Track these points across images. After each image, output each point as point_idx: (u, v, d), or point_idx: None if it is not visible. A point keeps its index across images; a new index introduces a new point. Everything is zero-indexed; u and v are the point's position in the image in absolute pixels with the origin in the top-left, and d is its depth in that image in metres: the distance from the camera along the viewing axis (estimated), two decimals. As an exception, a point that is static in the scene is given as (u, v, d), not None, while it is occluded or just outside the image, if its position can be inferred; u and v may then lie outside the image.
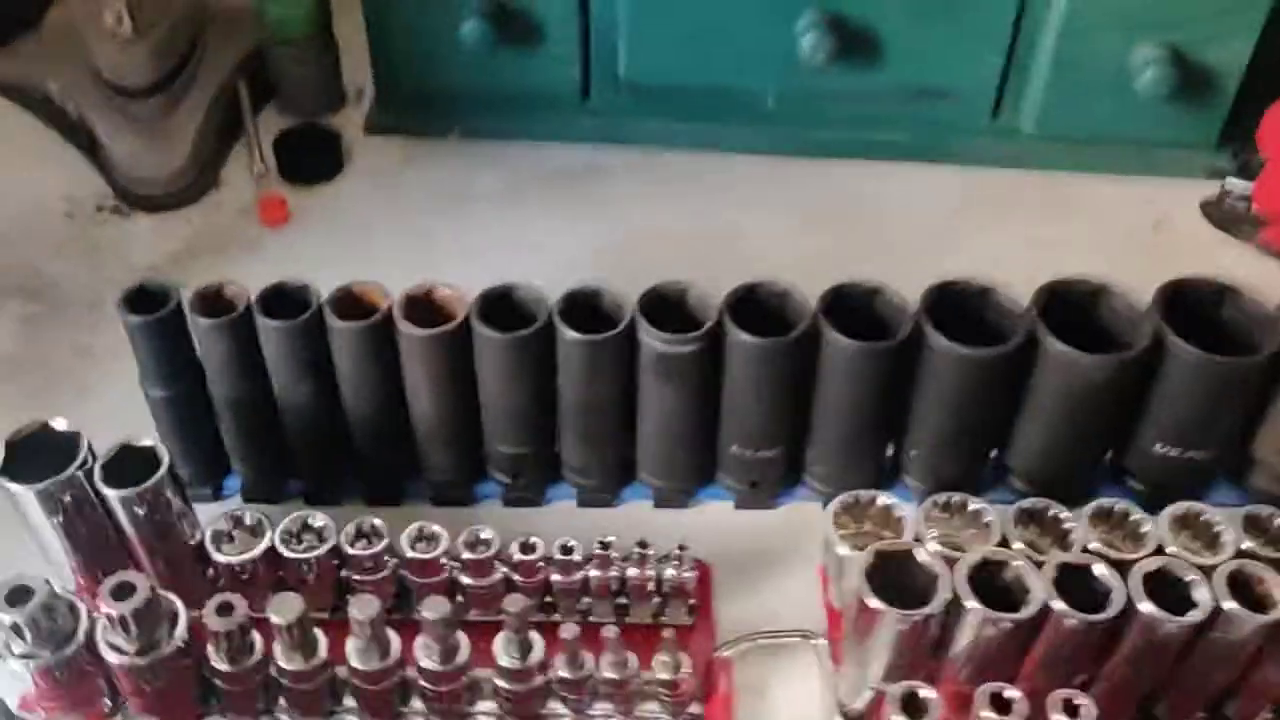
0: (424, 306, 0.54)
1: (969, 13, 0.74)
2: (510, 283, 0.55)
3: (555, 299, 0.55)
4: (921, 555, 0.50)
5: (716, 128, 0.81)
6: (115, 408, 0.64)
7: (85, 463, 0.50)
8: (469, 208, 0.77)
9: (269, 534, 0.54)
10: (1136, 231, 0.79)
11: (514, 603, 0.50)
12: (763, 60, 0.77)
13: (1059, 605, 0.49)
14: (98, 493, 0.51)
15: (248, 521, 0.55)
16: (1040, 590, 0.49)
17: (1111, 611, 0.49)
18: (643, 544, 0.56)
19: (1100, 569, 0.50)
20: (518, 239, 0.76)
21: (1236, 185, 0.80)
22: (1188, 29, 0.73)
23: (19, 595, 0.47)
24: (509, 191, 0.79)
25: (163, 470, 0.51)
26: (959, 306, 0.57)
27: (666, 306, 0.55)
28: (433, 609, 0.50)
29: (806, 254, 0.76)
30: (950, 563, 0.52)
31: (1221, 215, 0.79)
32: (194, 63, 0.78)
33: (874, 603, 0.49)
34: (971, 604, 0.49)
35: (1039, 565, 0.51)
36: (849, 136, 0.81)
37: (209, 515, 0.60)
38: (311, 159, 0.78)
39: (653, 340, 0.54)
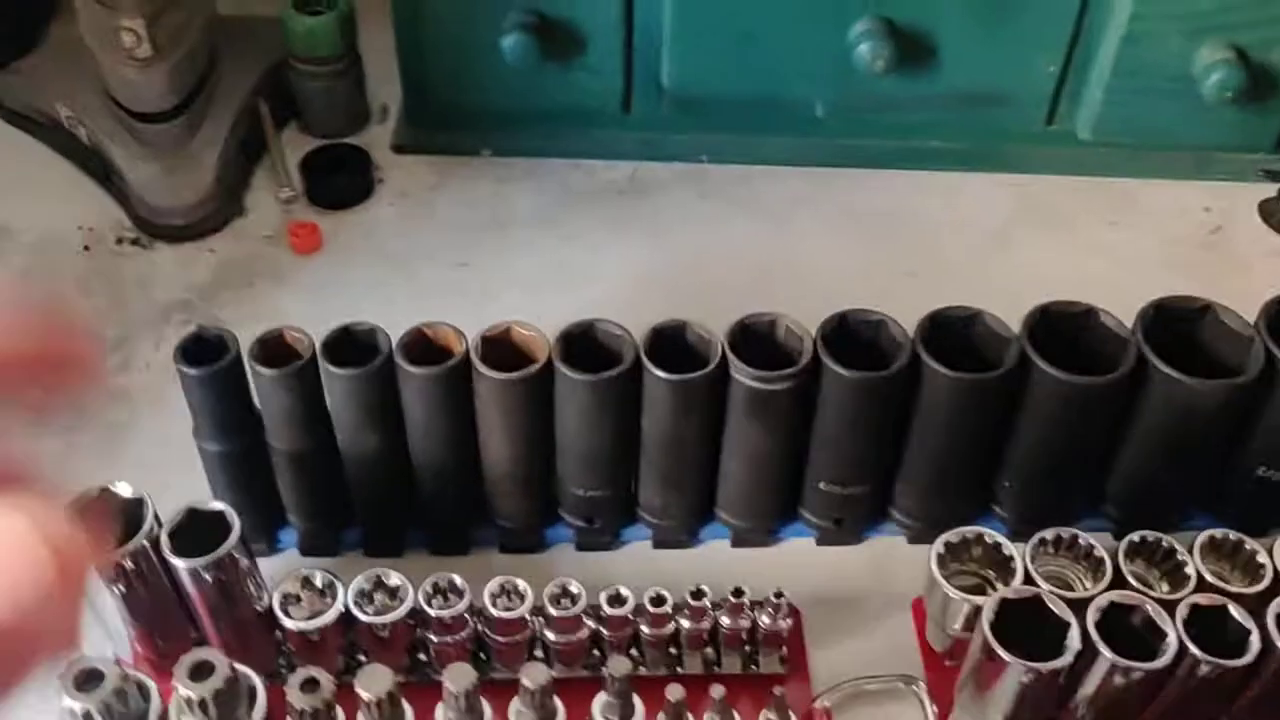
0: (501, 347, 0.51)
1: (1028, 17, 0.71)
2: (590, 319, 0.52)
3: (638, 335, 0.51)
4: (1050, 602, 0.48)
5: (764, 139, 0.78)
6: (155, 454, 0.60)
7: (151, 530, 0.47)
8: (509, 232, 0.74)
9: (340, 596, 0.51)
10: (1196, 236, 0.76)
11: (618, 666, 0.47)
12: (812, 69, 0.74)
13: (1195, 651, 0.47)
14: (164, 561, 0.47)
15: (317, 583, 0.51)
16: (1174, 636, 0.47)
17: (1249, 656, 0.47)
18: (737, 591, 0.53)
19: (1235, 610, 0.48)
20: (564, 263, 0.72)
21: (1295, 187, 0.78)
22: (1254, 31, 0.71)
23: (89, 679, 0.43)
24: (550, 212, 0.75)
25: (234, 537, 0.47)
26: (1059, 330, 0.54)
27: (755, 339, 0.52)
28: (531, 677, 0.46)
29: (863, 268, 0.73)
30: (1075, 605, 0.49)
31: (1279, 215, 0.77)
32: (212, 81, 0.74)
33: (1003, 654, 0.46)
34: (1105, 653, 0.46)
35: (1168, 604, 0.48)
36: (900, 145, 0.78)
37: (267, 570, 0.56)
38: (341, 181, 0.74)
39: (745, 378, 0.51)
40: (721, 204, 0.77)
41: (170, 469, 0.56)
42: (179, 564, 0.47)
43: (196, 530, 0.48)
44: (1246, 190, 0.79)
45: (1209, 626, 0.48)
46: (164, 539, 0.47)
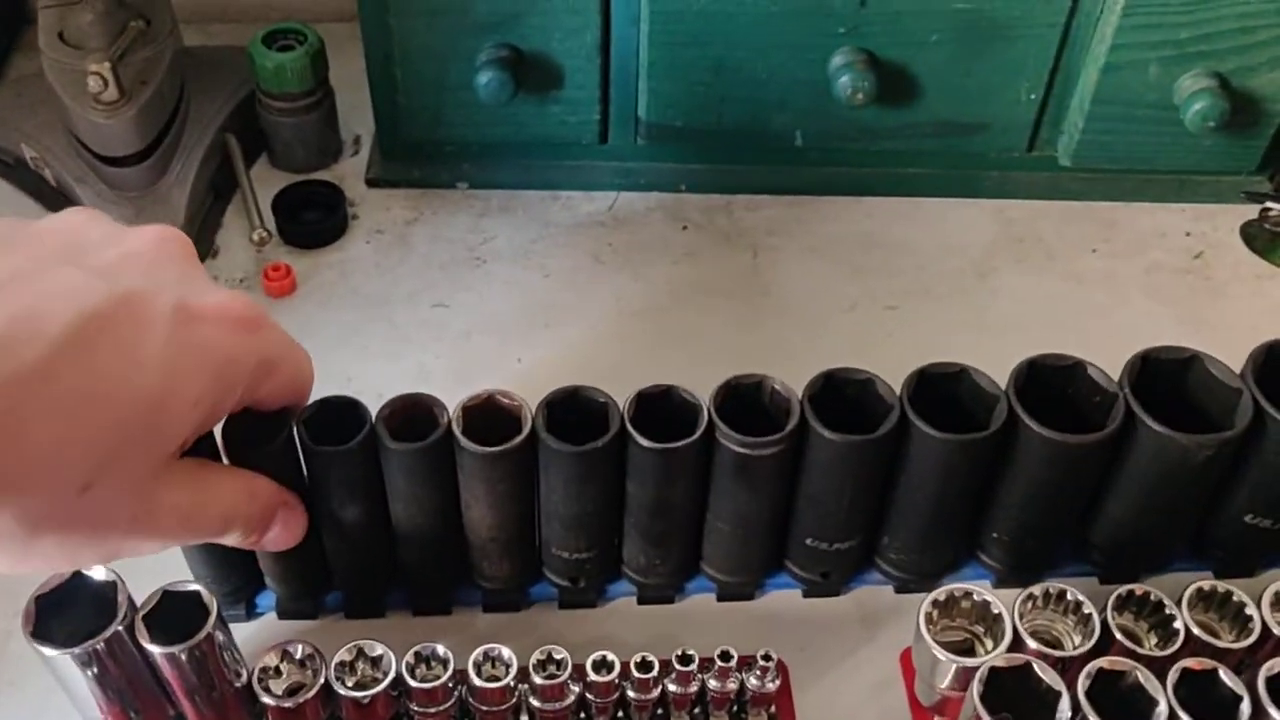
0: (484, 414, 0.50)
1: (1009, 46, 0.71)
2: (573, 386, 0.51)
3: (623, 395, 0.50)
4: (1040, 670, 0.47)
5: (742, 169, 0.77)
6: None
7: (125, 616, 0.46)
8: (488, 268, 0.73)
9: (321, 670, 0.50)
10: (1178, 263, 0.76)
11: (606, 745, 0.46)
12: (791, 100, 0.73)
13: (1186, 719, 0.46)
14: (139, 645, 0.46)
15: (297, 655, 0.50)
16: (1164, 704, 0.46)
17: (1242, 723, 0.47)
18: (725, 655, 0.52)
19: (1225, 675, 0.47)
20: (543, 303, 0.71)
21: (1277, 208, 0.78)
22: (1236, 58, 0.70)
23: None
24: (529, 247, 0.74)
25: (211, 620, 0.46)
26: (1046, 382, 0.54)
27: (741, 400, 0.51)
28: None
29: (845, 300, 0.72)
30: (1064, 664, 0.49)
31: (1262, 239, 0.77)
32: (180, 121, 0.72)
33: (993, 727, 0.46)
34: (1096, 723, 0.46)
35: (1158, 665, 0.48)
36: (881, 173, 0.77)
37: (245, 635, 0.56)
38: (315, 219, 0.73)
39: (731, 444, 0.50)
40: (702, 234, 0.76)
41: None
42: (155, 650, 0.46)
43: (171, 611, 0.47)
44: (1228, 213, 0.78)
45: (1199, 688, 0.47)
46: (139, 624, 0.46)
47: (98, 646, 0.46)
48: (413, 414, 0.50)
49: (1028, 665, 0.47)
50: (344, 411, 0.49)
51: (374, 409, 0.49)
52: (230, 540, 0.47)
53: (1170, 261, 0.76)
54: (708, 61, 0.71)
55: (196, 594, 0.47)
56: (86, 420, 0.37)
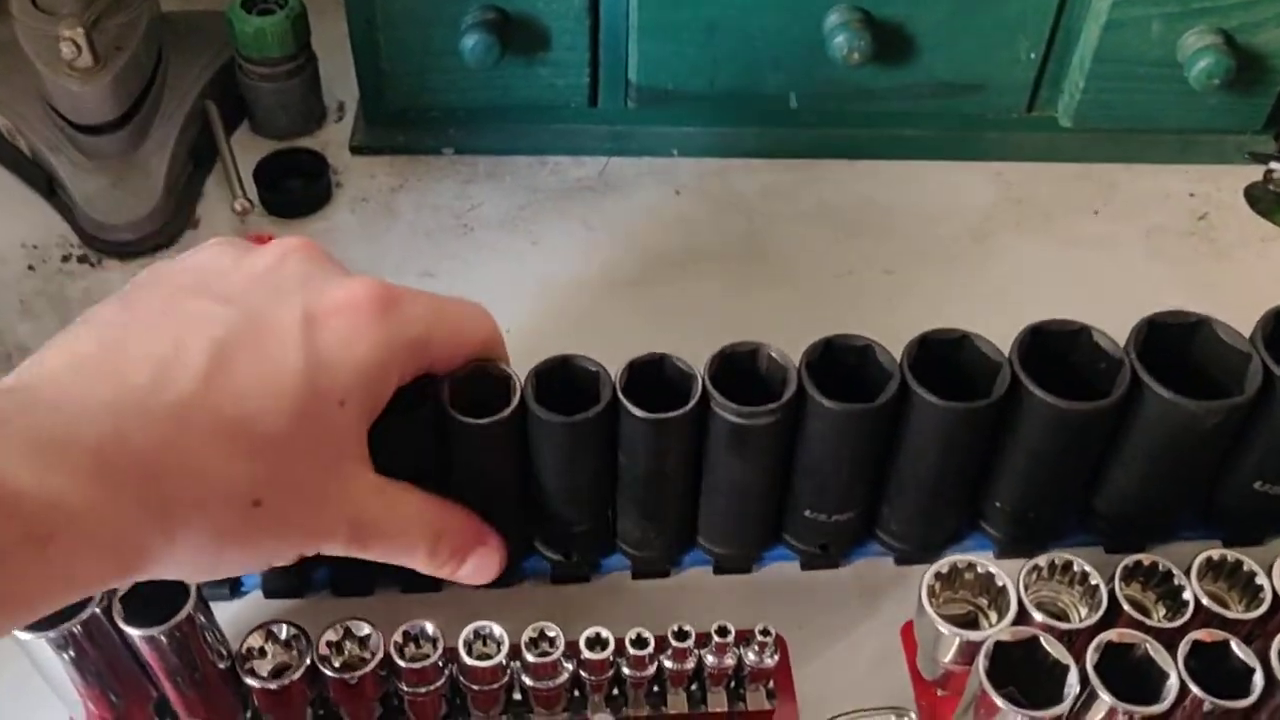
0: (472, 384, 0.48)
1: (1009, 3, 0.69)
2: (563, 355, 0.49)
3: (615, 365, 0.49)
4: (1047, 644, 0.46)
5: (736, 131, 0.75)
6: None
7: (103, 598, 0.44)
8: (476, 236, 0.71)
9: (307, 651, 0.48)
10: (1181, 224, 0.74)
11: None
12: (785, 60, 0.71)
13: (1198, 692, 0.45)
14: (118, 629, 0.45)
15: (282, 636, 0.49)
16: (1175, 677, 0.45)
17: (1254, 695, 0.45)
18: (722, 630, 0.50)
19: (1237, 646, 0.46)
20: (532, 269, 0.69)
21: (1280, 169, 0.76)
22: (1241, 14, 0.68)
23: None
24: (517, 214, 0.72)
25: (191, 601, 0.45)
26: (1050, 349, 0.52)
27: (736, 369, 0.50)
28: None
29: (841, 265, 0.71)
30: (1071, 636, 0.48)
31: (1266, 200, 0.76)
32: (157, 87, 0.70)
33: (999, 702, 0.45)
34: (1105, 697, 0.45)
35: (1168, 637, 0.46)
36: (877, 135, 0.75)
37: (230, 614, 0.54)
38: (298, 188, 0.71)
39: (727, 414, 0.48)
40: (695, 199, 0.74)
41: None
42: (133, 632, 0.44)
43: (150, 591, 0.45)
44: (1232, 173, 0.77)
45: (1210, 661, 0.46)
46: (116, 606, 0.44)
47: (74, 629, 0.44)
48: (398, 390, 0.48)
49: (1035, 639, 0.46)
50: None
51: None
52: (418, 567, 0.48)
53: (1173, 224, 0.74)
54: (700, 21, 0.69)
55: (176, 574, 0.45)
56: (244, 439, 0.40)
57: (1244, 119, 0.75)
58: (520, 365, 0.49)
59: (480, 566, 0.49)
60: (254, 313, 0.42)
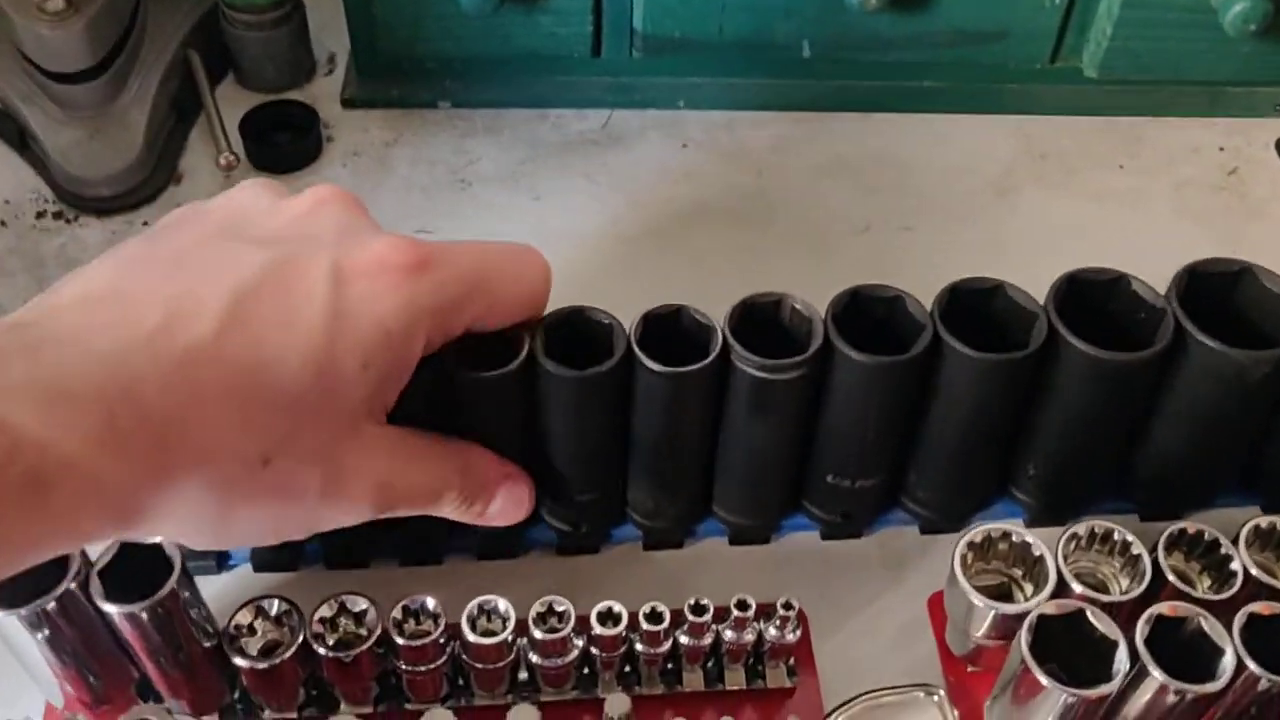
0: (478, 338, 0.45)
1: (1034, -56, 0.65)
2: (573, 306, 0.46)
3: (627, 319, 0.46)
4: (1094, 617, 0.43)
5: (746, 82, 0.71)
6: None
7: (79, 573, 0.41)
8: (474, 192, 0.67)
9: (299, 628, 0.45)
10: (1211, 179, 0.71)
11: (617, 705, 0.42)
12: (798, 6, 0.67)
13: (1255, 669, 0.42)
14: (96, 606, 0.41)
15: (272, 612, 0.46)
16: (1231, 653, 0.42)
17: (1316, 671, 0.42)
18: (742, 604, 0.47)
19: (1295, 619, 0.43)
20: (535, 226, 0.66)
21: (1312, 122, 0.73)
22: (1280, -46, 0.65)
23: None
24: (517, 168, 0.69)
25: (175, 575, 0.41)
26: (1087, 299, 0.49)
27: (757, 321, 0.47)
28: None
29: (859, 222, 0.67)
30: (1115, 609, 0.44)
31: (1298, 155, 0.73)
32: (136, 34, 0.66)
33: (1043, 680, 0.42)
34: (1156, 674, 0.42)
35: (1220, 609, 0.43)
36: (894, 86, 0.72)
37: (217, 589, 0.51)
38: (287, 142, 0.68)
39: (749, 368, 0.45)
40: (702, 153, 0.71)
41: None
42: (112, 610, 0.41)
43: (131, 565, 0.42)
44: (1262, 126, 0.74)
45: (1264, 635, 0.43)
46: (94, 581, 0.41)
47: (48, 606, 0.41)
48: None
49: (1080, 612, 0.43)
50: None
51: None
52: (447, 513, 0.45)
53: (1202, 178, 0.71)
54: (708, -35, 0.66)
55: (158, 547, 0.42)
56: (256, 393, 0.37)
57: (1277, 69, 0.71)
58: (521, 324, 0.46)
59: (510, 501, 0.47)
60: (282, 260, 0.39)
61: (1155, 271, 0.50)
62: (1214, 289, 0.50)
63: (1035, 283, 0.49)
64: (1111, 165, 0.71)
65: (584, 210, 0.67)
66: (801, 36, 0.69)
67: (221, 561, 0.52)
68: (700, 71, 0.71)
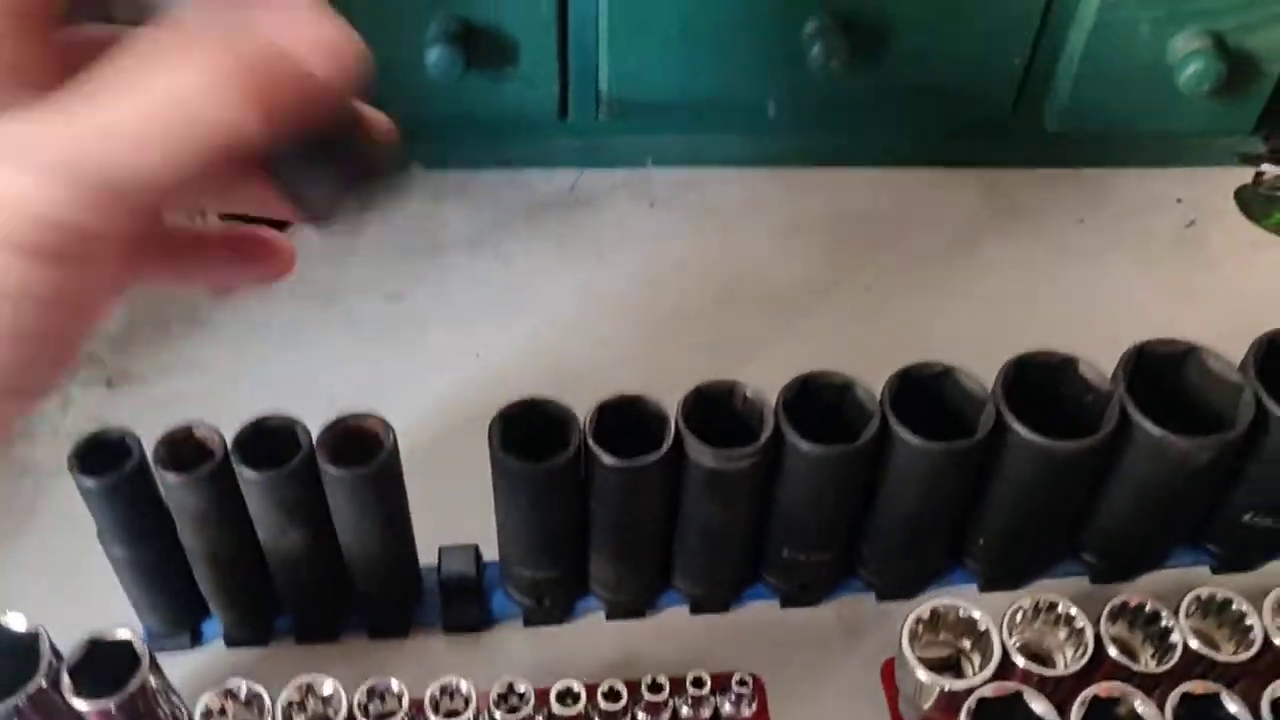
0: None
1: (992, 7, 0.66)
2: (530, 397, 0.47)
3: (584, 414, 0.47)
4: (1030, 699, 0.44)
5: (711, 140, 0.73)
6: (63, 540, 0.56)
7: (50, 667, 0.42)
8: (444, 256, 0.69)
9: (267, 711, 0.46)
10: (1170, 232, 0.73)
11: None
12: (762, 68, 0.68)
13: (1189, 748, 0.44)
14: (65, 700, 0.43)
15: (241, 695, 0.47)
16: (1165, 733, 0.44)
17: (1247, 751, 0.44)
18: (698, 681, 0.49)
19: (1228, 699, 0.45)
20: (503, 291, 0.67)
21: (1272, 170, 0.74)
22: (1232, 17, 0.66)
23: None
24: (487, 231, 0.70)
25: (143, 669, 0.43)
26: (1035, 381, 0.50)
27: (711, 407, 0.48)
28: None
29: (821, 280, 0.69)
30: (1057, 684, 0.46)
31: (1257, 203, 0.74)
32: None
33: (984, 763, 0.43)
34: (1093, 757, 0.43)
35: (1155, 684, 0.45)
36: (856, 142, 0.73)
37: (189, 668, 0.52)
38: (259, 208, 0.69)
39: (702, 458, 0.47)
40: (669, 212, 0.72)
41: (82, 551, 0.51)
42: (83, 706, 0.42)
43: (100, 659, 0.43)
44: (1221, 176, 0.75)
45: (1197, 713, 0.45)
46: (64, 679, 0.42)
47: (18, 703, 0.42)
48: (358, 434, 0.46)
49: (1018, 694, 0.44)
50: (280, 432, 0.46)
51: (325, 413, 0.46)
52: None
53: (1161, 230, 0.73)
54: (672, 29, 0.67)
55: (127, 643, 0.43)
56: None
57: (1233, 122, 0.73)
58: (491, 391, 0.47)
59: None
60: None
61: (1113, 324, 0.51)
62: (1162, 368, 0.51)
63: (996, 339, 0.50)
64: (1072, 219, 0.73)
65: (551, 275, 0.68)
66: (766, 96, 0.70)
67: (194, 639, 0.53)
68: (667, 130, 0.72)
